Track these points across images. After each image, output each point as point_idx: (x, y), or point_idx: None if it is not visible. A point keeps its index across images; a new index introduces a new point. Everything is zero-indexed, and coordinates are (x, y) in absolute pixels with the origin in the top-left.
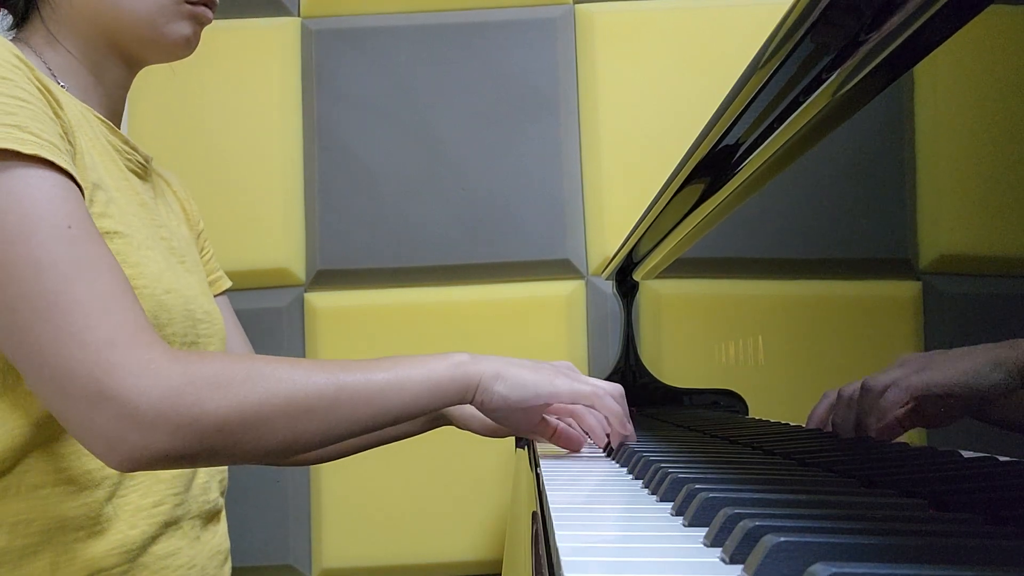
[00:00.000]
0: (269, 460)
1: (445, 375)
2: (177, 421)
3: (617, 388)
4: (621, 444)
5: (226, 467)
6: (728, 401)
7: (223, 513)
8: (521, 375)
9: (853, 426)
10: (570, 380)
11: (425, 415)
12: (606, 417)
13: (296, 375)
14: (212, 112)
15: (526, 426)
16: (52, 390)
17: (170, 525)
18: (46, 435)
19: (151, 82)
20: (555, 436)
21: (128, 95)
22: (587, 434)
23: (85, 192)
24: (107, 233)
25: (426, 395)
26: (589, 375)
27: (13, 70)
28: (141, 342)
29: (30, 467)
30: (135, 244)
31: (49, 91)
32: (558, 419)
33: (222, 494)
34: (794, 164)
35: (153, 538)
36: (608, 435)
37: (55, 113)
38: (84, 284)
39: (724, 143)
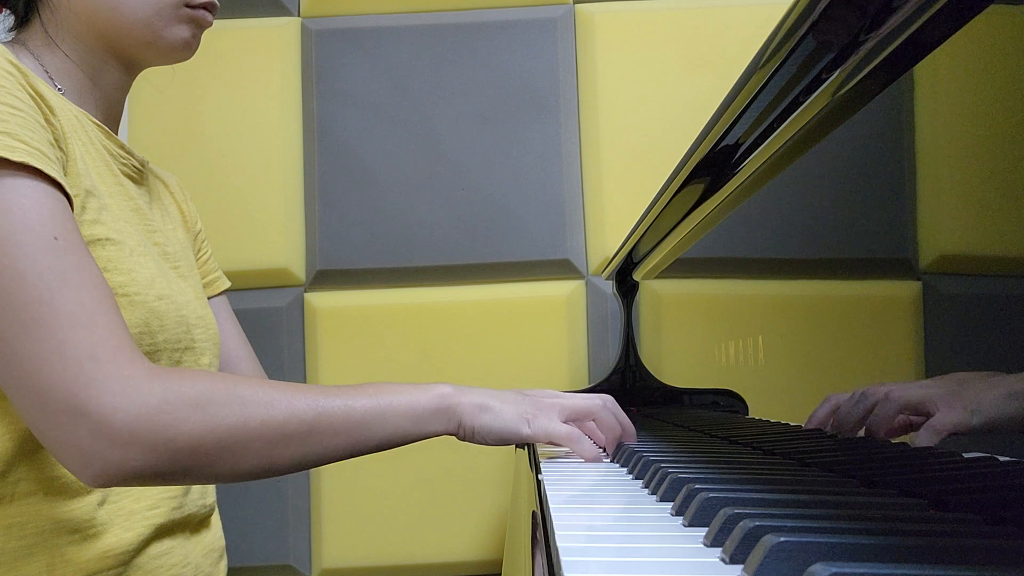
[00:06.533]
0: (244, 480)
1: (427, 406)
2: (152, 440)
3: (597, 405)
4: (621, 444)
5: None
6: (728, 401)
7: (216, 511)
8: (502, 412)
9: (859, 432)
10: (549, 419)
11: (405, 445)
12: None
13: (276, 399)
14: (212, 112)
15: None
16: (29, 402)
17: (166, 528)
18: (36, 443)
19: (151, 82)
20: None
21: (128, 95)
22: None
23: (77, 199)
24: (99, 240)
25: (407, 426)
26: (589, 375)
27: (5, 76)
28: (122, 358)
29: (22, 476)
30: (127, 251)
31: (42, 97)
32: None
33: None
34: (794, 164)
35: (148, 541)
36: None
37: (47, 120)
38: (68, 297)
39: (724, 143)
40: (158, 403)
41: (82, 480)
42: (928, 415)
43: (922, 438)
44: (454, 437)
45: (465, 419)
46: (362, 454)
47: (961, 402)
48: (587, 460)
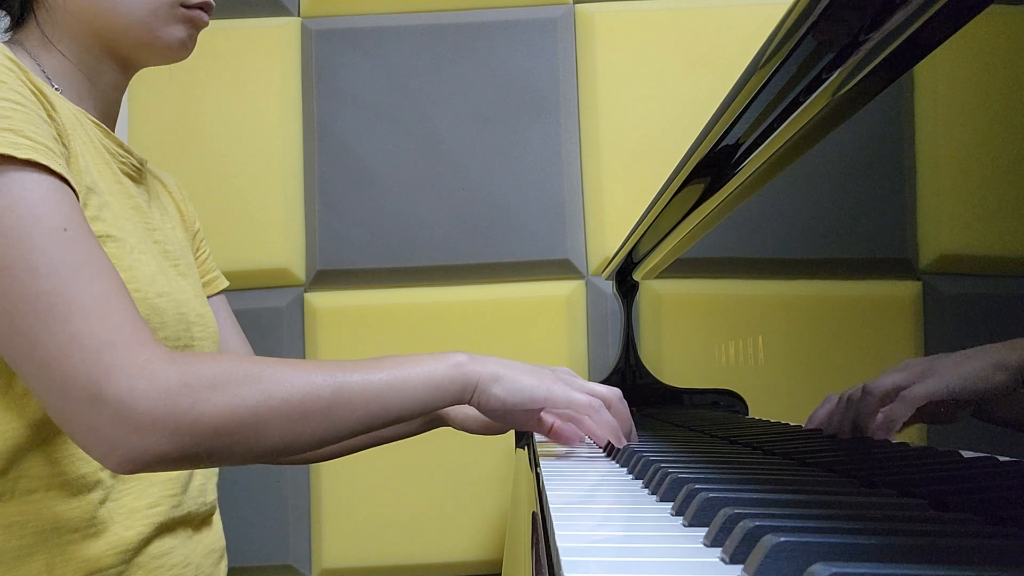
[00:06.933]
0: (267, 460)
1: (444, 375)
2: (175, 423)
3: (615, 393)
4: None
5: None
6: (728, 401)
7: (217, 511)
8: (519, 378)
9: (853, 430)
10: (567, 387)
11: (424, 415)
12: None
13: (294, 376)
14: (212, 112)
15: (523, 425)
16: (51, 392)
17: (166, 526)
18: (40, 438)
19: (151, 83)
20: (551, 433)
21: (128, 95)
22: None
23: (80, 195)
24: (100, 237)
25: (425, 396)
26: (589, 375)
27: (7, 73)
28: (139, 344)
29: (24, 472)
30: (128, 248)
31: (43, 94)
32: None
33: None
34: (794, 164)
35: (148, 539)
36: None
37: (49, 116)
38: (81, 286)
39: (724, 143)
40: (178, 386)
41: (108, 467)
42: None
43: (897, 408)
44: (459, 431)
45: (481, 385)
46: (382, 426)
47: (935, 372)
48: (604, 434)
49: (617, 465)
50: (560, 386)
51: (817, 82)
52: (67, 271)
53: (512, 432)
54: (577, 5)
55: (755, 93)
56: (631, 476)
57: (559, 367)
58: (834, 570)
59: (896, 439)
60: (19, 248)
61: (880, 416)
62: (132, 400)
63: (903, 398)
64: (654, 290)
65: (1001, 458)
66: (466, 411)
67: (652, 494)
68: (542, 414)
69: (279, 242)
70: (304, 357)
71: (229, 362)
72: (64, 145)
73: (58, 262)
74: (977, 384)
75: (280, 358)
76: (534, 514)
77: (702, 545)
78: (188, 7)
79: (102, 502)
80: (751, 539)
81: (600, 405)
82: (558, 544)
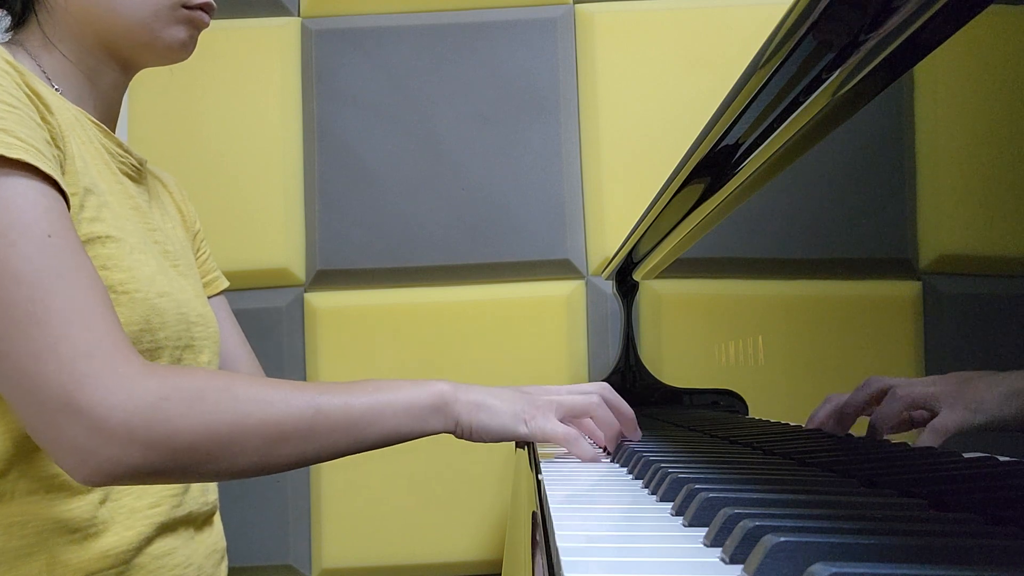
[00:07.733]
0: (243, 477)
1: (426, 404)
2: (149, 438)
3: (595, 399)
4: (621, 443)
5: None
6: (728, 401)
7: (218, 511)
8: (498, 411)
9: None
10: (543, 421)
11: (404, 442)
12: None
13: (274, 397)
14: (212, 112)
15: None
16: (25, 400)
17: (167, 526)
18: (35, 443)
19: (151, 82)
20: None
21: (127, 95)
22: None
23: (76, 197)
24: (99, 237)
25: (405, 424)
26: (589, 375)
27: (2, 75)
28: (118, 355)
29: (23, 473)
30: (128, 248)
31: (39, 96)
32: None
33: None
34: (794, 164)
35: (150, 539)
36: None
37: (43, 119)
38: (63, 295)
39: (724, 143)
40: (155, 400)
41: (77, 479)
42: (931, 412)
43: (925, 439)
44: (452, 435)
45: (463, 417)
46: (360, 451)
47: (963, 402)
48: (584, 460)
49: (617, 465)
50: (539, 419)
51: (817, 82)
52: (49, 278)
53: None
54: (577, 5)
55: (755, 93)
56: (631, 476)
57: (538, 387)
58: (834, 570)
59: (896, 439)
60: (1, 252)
61: (902, 427)
62: (108, 411)
63: (933, 428)
64: (654, 290)
65: (1001, 458)
66: None
67: (652, 494)
68: None
69: (279, 242)
70: (304, 357)
71: (209, 379)
72: (59, 148)
73: (41, 268)
74: (1004, 413)
75: (261, 378)
76: (534, 514)
77: (702, 545)
78: (189, 8)
79: (102, 502)
80: (751, 539)
81: (576, 436)
82: (558, 544)
